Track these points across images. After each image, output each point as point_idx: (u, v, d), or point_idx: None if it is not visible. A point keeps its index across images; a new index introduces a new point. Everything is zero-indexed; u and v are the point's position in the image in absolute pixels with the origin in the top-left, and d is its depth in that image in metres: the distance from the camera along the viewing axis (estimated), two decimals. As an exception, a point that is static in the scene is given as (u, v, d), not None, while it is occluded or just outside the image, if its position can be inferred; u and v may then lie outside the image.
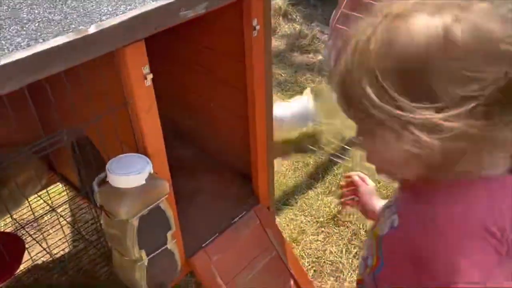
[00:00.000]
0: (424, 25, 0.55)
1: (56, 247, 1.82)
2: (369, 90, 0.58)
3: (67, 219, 2.00)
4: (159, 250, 1.11)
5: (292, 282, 1.50)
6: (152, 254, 1.10)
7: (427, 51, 0.54)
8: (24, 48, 0.77)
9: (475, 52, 0.53)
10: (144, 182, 1.01)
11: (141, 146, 1.09)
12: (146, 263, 1.09)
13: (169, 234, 1.12)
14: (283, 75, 3.18)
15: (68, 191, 1.92)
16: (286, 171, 2.40)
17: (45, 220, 1.85)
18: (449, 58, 0.53)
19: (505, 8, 0.57)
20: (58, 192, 1.90)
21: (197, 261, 1.37)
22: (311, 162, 2.46)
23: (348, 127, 2.67)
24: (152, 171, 1.04)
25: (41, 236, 1.74)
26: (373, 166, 0.69)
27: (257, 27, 1.23)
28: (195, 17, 0.99)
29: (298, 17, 3.85)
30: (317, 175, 2.37)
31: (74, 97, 1.30)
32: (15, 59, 0.72)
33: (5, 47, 0.77)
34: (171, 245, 1.14)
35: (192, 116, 1.67)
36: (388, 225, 0.70)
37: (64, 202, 1.91)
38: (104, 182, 1.04)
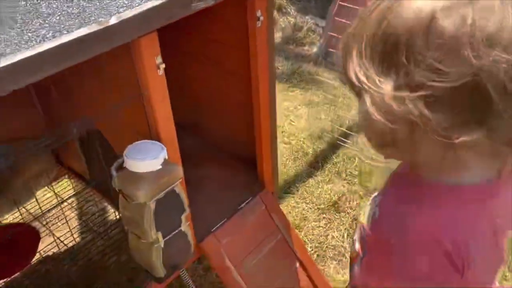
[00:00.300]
0: (419, 5, 0.55)
1: (65, 239, 1.86)
2: (354, 55, 0.60)
3: (74, 212, 2.05)
4: (174, 232, 1.16)
5: (297, 264, 1.56)
6: (168, 236, 1.15)
7: (408, 30, 0.55)
8: (50, 39, 0.81)
9: (450, 46, 0.52)
10: (160, 167, 1.06)
11: (155, 134, 1.14)
12: (162, 245, 1.14)
13: (183, 217, 1.17)
14: (279, 68, 3.23)
15: (75, 184, 1.96)
16: (286, 160, 2.46)
17: (53, 213, 1.89)
18: (424, 43, 0.53)
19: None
20: (63, 186, 1.95)
21: (207, 245, 1.42)
22: (310, 152, 2.52)
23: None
24: (166, 157, 1.09)
25: (52, 227, 1.79)
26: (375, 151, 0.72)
27: (261, 18, 1.28)
28: (201, 9, 1.04)
29: (292, 10, 3.90)
30: (316, 164, 2.44)
31: (83, 91, 1.35)
32: (47, 48, 0.77)
33: (32, 38, 0.82)
34: (185, 227, 1.19)
35: (198, 107, 1.72)
36: (371, 215, 0.72)
37: (72, 196, 1.96)
38: (121, 167, 1.09)
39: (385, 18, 0.57)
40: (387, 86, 0.56)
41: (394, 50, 0.56)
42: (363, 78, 0.59)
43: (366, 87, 0.58)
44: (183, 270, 1.25)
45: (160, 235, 1.13)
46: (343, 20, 2.76)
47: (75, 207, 2.07)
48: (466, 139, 0.54)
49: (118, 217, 1.89)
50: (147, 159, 1.05)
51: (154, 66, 1.05)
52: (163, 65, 1.07)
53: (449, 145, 0.56)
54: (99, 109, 1.30)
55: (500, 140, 0.57)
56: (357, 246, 0.80)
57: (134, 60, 1.03)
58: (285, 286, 1.50)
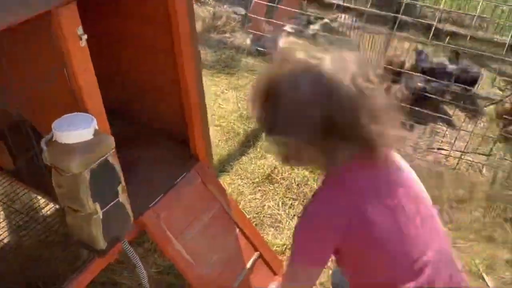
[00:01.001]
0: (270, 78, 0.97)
1: (-5, 239, 1.78)
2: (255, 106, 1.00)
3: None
4: (112, 203, 1.17)
5: (237, 230, 1.62)
6: (106, 207, 1.16)
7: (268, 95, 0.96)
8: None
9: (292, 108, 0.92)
10: (91, 137, 1.07)
11: (82, 107, 1.14)
12: (101, 216, 1.15)
13: (119, 188, 1.19)
14: (203, 55, 3.27)
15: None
16: (218, 142, 2.51)
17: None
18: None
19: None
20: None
21: (147, 219, 1.44)
22: (241, 132, 2.59)
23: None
24: (97, 127, 1.10)
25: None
26: None
27: (179, -9, 1.32)
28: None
29: (210, 0, 3.94)
30: (248, 143, 2.51)
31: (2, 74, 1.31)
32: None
33: None
34: (122, 198, 1.20)
35: (125, 88, 1.72)
36: None
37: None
38: (51, 142, 1.08)
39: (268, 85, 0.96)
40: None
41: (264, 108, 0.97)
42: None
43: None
44: (124, 242, 1.26)
45: (97, 206, 1.13)
46: (263, 2, 2.86)
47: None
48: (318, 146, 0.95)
49: (44, 212, 1.83)
50: (77, 129, 1.05)
51: (76, 37, 1.06)
52: (85, 36, 1.07)
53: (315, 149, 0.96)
54: (20, 90, 1.27)
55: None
56: None
57: (55, 32, 1.03)
58: (227, 252, 1.55)
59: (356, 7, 3.14)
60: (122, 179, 1.19)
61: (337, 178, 1.00)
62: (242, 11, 3.81)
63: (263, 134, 1.07)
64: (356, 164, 0.98)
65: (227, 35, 3.54)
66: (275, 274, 1.63)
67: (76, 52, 1.07)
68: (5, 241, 1.80)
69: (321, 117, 0.89)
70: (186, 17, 1.38)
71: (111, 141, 1.13)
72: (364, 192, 0.98)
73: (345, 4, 3.56)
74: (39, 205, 1.62)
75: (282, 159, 1.03)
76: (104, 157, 1.11)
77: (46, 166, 1.14)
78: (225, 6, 3.87)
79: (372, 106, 0.91)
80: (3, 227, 1.86)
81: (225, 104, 2.81)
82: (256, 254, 1.61)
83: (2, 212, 1.89)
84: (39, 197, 1.70)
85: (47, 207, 1.68)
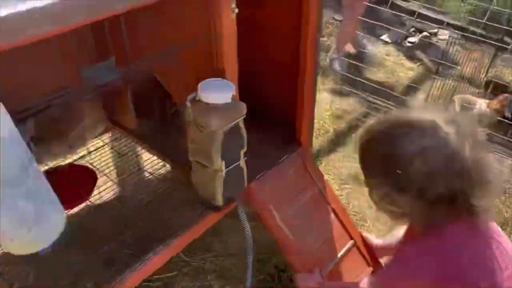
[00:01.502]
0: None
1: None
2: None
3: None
4: (234, 165, 1.29)
5: (332, 214, 1.68)
6: (229, 167, 1.27)
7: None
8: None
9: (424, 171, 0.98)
10: (230, 100, 1.19)
11: (221, 74, 1.26)
12: (224, 175, 1.27)
13: (242, 152, 1.30)
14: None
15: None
16: (309, 137, 2.59)
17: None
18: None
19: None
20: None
21: (253, 187, 1.54)
22: (331, 130, 2.66)
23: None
24: (234, 93, 1.22)
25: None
26: None
27: (315, -19, 1.42)
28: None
29: (310, 4, 4.04)
30: (337, 141, 2.57)
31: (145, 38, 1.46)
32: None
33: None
34: (242, 162, 1.32)
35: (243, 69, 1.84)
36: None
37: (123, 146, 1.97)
38: (194, 101, 1.22)
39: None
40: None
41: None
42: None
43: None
44: (237, 202, 1.37)
45: (223, 164, 1.25)
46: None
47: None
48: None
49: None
50: (221, 91, 1.18)
51: (229, 10, 1.18)
52: (236, 10, 1.20)
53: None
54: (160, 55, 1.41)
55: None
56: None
57: (213, 2, 1.16)
58: (323, 233, 1.62)
59: (458, 23, 3.10)
60: (246, 144, 1.31)
61: (433, 242, 1.05)
62: (340, 17, 3.88)
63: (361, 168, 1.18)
64: (456, 230, 1.02)
65: (325, 38, 3.62)
66: (368, 265, 1.66)
67: (228, 23, 1.19)
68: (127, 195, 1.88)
69: (444, 188, 0.97)
70: (316, 5, 1.48)
71: (244, 107, 1.25)
72: (473, 266, 1.00)
73: (447, 21, 3.53)
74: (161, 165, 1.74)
75: (392, 217, 1.12)
76: (237, 121, 1.23)
77: (182, 125, 1.28)
78: (324, 10, 3.96)
79: (486, 179, 0.98)
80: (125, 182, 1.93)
81: (318, 103, 2.88)
82: (351, 242, 1.65)
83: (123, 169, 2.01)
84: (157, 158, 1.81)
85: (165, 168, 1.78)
